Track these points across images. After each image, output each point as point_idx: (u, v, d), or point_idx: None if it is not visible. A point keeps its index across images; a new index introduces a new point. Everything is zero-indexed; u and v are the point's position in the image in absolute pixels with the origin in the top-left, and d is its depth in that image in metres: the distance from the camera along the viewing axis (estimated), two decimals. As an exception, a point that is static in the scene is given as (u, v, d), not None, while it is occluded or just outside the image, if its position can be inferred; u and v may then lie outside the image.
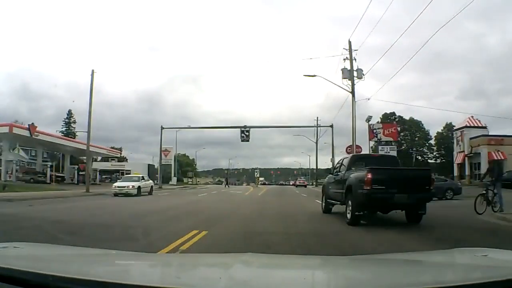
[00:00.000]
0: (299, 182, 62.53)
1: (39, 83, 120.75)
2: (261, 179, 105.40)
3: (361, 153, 24.90)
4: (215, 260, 2.55)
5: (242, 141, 38.71)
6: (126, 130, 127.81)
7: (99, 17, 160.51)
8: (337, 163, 12.99)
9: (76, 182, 45.77)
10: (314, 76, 26.42)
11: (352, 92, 25.70)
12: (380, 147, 37.35)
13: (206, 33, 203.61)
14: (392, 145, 37.63)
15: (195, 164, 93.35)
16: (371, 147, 37.35)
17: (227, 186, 33.49)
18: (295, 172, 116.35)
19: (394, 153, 32.61)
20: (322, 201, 13.20)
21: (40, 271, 1.51)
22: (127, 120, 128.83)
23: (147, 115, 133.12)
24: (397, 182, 9.06)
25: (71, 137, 57.10)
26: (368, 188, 8.85)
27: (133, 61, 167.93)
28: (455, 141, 47.77)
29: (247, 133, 38.43)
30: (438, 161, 68.90)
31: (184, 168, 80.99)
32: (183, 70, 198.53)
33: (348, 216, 9.48)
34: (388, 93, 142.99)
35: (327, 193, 12.51)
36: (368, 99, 30.26)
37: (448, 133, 62.55)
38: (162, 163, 48.82)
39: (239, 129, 38.87)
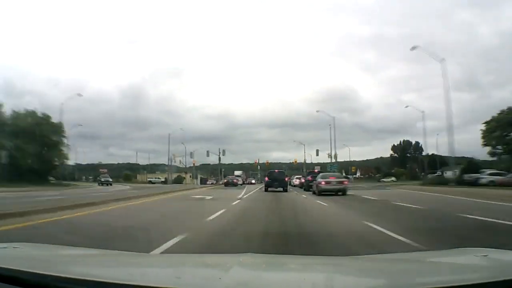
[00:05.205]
0: (297, 181, 42.54)
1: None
2: (236, 173, 68.53)
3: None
4: (215, 260, 2.55)
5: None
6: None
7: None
8: (267, 173, 36.09)
9: None
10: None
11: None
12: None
13: (189, 26, 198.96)
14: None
15: (64, 136, 44.12)
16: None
17: None
18: (295, 161, 72.54)
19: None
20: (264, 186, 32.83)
21: (39, 271, 1.51)
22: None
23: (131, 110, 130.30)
24: (275, 178, 30.85)
25: None
26: (266, 180, 32.32)
27: (113, 54, 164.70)
28: None
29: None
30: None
31: (18, 140, 36.26)
32: (166, 64, 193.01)
33: (263, 189, 31.32)
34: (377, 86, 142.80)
35: (264, 183, 33.09)
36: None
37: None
38: None
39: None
